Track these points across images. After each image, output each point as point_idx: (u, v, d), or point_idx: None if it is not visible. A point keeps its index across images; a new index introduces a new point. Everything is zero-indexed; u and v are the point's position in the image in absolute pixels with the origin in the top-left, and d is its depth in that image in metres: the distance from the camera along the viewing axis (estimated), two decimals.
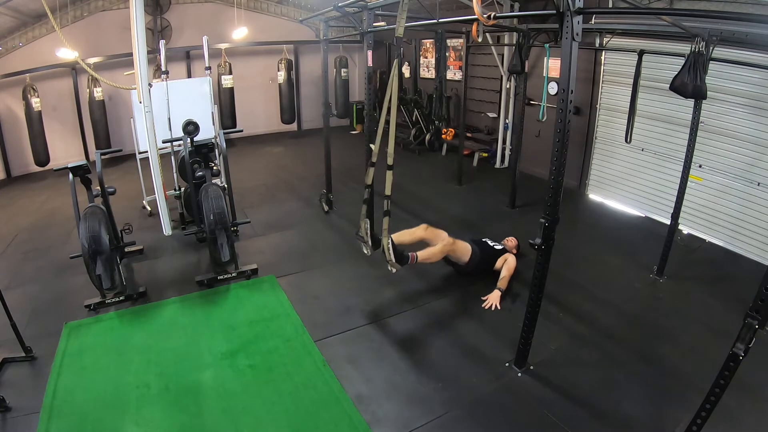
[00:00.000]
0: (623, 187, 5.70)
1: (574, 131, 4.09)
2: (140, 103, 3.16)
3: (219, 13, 8.59)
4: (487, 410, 2.62)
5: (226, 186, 4.33)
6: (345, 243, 4.77)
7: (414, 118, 8.93)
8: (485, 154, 7.62)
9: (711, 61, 3.35)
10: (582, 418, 2.55)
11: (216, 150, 4.73)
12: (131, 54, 3.06)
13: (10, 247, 4.83)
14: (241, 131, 5.63)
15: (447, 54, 8.05)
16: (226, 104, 8.50)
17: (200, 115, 4.87)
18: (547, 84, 5.90)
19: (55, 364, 2.98)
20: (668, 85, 3.52)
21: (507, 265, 3.81)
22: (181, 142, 4.48)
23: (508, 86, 7.14)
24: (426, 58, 9.19)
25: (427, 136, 8.41)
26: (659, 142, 5.15)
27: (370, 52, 4.35)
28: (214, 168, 4.22)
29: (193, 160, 4.15)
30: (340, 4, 4.13)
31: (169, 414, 2.59)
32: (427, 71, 9.16)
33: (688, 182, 3.73)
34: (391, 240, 3.18)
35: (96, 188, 3.78)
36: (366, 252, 3.28)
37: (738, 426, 2.48)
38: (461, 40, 7.63)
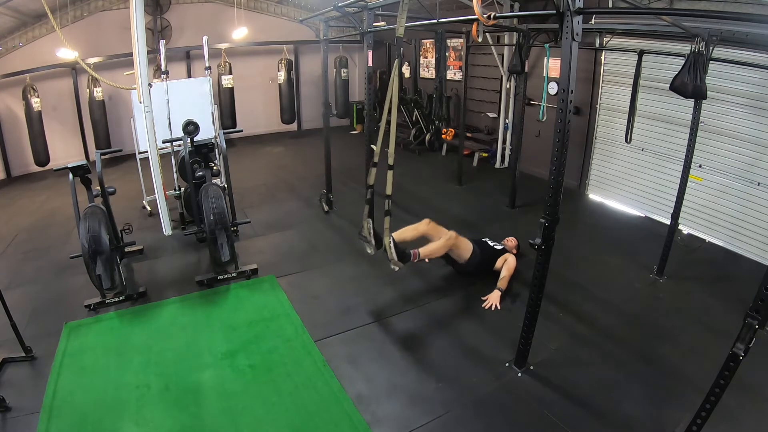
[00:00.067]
0: (623, 187, 5.70)
1: (574, 131, 4.08)
2: (140, 103, 3.17)
3: (219, 13, 8.59)
4: (487, 410, 2.62)
5: (226, 186, 4.33)
6: (345, 243, 4.77)
7: (414, 118, 8.94)
8: (485, 154, 7.62)
9: (711, 61, 3.35)
10: (582, 418, 2.55)
11: (216, 150, 4.72)
12: (131, 54, 3.07)
13: (10, 247, 4.83)
14: (241, 131, 5.63)
15: (447, 54, 8.06)
16: (226, 104, 8.50)
17: (200, 115, 4.87)
18: (547, 84, 5.90)
19: (55, 364, 2.98)
20: (668, 85, 3.51)
21: (507, 265, 3.81)
22: (181, 142, 4.48)
23: (508, 86, 7.14)
24: (426, 58, 9.19)
25: (427, 136, 8.41)
26: (659, 142, 5.16)
27: (370, 52, 4.36)
28: (214, 168, 4.22)
29: (193, 160, 4.14)
30: (340, 4, 4.13)
31: (169, 414, 2.59)
32: (427, 71, 9.16)
33: (688, 182, 3.73)
34: (393, 239, 3.19)
35: (96, 188, 3.78)
36: (369, 251, 3.28)
37: (738, 426, 2.48)
38: (461, 40, 7.63)
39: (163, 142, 4.60)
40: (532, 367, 2.93)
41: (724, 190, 4.59)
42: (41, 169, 7.28)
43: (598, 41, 5.47)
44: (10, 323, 2.96)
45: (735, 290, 3.76)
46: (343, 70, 9.48)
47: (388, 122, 2.95)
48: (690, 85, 3.32)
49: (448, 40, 7.88)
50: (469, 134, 7.66)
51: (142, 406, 2.64)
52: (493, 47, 6.98)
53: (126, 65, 4.71)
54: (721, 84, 4.31)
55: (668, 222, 3.92)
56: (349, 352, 3.11)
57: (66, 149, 7.67)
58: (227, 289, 3.92)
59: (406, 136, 8.79)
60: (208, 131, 5.29)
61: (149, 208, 5.60)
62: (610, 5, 5.04)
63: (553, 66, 5.83)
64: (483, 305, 3.59)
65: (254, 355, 3.07)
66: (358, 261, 4.37)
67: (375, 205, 3.19)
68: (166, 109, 4.94)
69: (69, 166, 3.60)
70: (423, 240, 3.79)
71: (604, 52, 5.57)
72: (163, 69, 5.29)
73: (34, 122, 6.92)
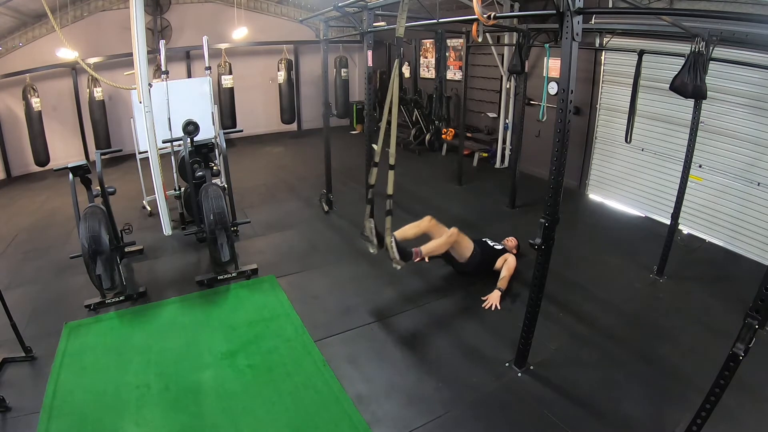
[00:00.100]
0: (623, 187, 5.70)
1: (574, 131, 4.09)
2: (140, 103, 3.17)
3: (219, 13, 8.59)
4: (487, 410, 2.62)
5: (226, 186, 4.33)
6: (345, 243, 4.77)
7: (414, 118, 8.94)
8: (485, 154, 7.62)
9: (711, 61, 3.35)
10: (582, 418, 2.55)
11: (216, 150, 4.73)
12: (131, 54, 3.07)
13: (10, 247, 4.83)
14: (241, 131, 5.63)
15: (447, 54, 8.06)
16: (226, 104, 8.50)
17: (200, 115, 4.87)
18: (547, 84, 5.90)
19: (55, 364, 2.98)
20: (668, 85, 3.51)
21: (507, 265, 3.81)
22: (181, 142, 4.48)
23: (508, 86, 7.14)
24: (426, 58, 9.19)
25: (427, 136, 8.42)
26: (659, 142, 5.16)
27: (370, 52, 4.36)
28: (214, 168, 4.22)
29: (193, 160, 4.15)
30: (340, 4, 4.13)
31: (169, 414, 2.59)
32: (427, 71, 9.16)
33: (688, 182, 3.73)
34: (394, 238, 3.20)
35: (96, 188, 3.78)
36: (372, 251, 3.28)
37: (738, 426, 2.48)
38: (461, 40, 7.63)
39: (163, 142, 4.60)
40: (532, 367, 2.93)
41: (724, 190, 4.59)
42: (41, 169, 7.28)
43: (598, 41, 5.47)
44: (10, 323, 2.96)
45: (735, 290, 3.76)
46: (343, 70, 9.48)
47: (389, 122, 2.95)
48: (690, 85, 3.32)
49: (448, 40, 7.88)
50: (469, 134, 7.66)
51: (142, 406, 2.64)
52: (493, 47, 6.98)
53: (126, 65, 4.72)
54: (721, 84, 4.31)
55: (668, 222, 3.92)
56: (349, 352, 3.11)
57: (66, 149, 7.67)
58: (227, 289, 3.92)
59: (406, 136, 8.79)
60: (208, 131, 5.29)
61: (149, 208, 5.60)
62: (610, 5, 5.04)
63: (553, 66, 5.83)
64: (483, 305, 3.59)
65: (254, 355, 3.07)
66: (358, 261, 4.37)
67: (375, 204, 3.19)
68: (166, 109, 4.94)
69: (69, 166, 3.60)
70: (424, 238, 3.79)
71: (604, 52, 5.57)
72: (163, 69, 5.29)
73: (34, 122, 6.92)
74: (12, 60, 7.13)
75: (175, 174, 5.27)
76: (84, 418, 2.56)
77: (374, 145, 3.12)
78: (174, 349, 3.15)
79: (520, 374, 2.88)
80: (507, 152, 7.39)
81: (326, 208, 5.60)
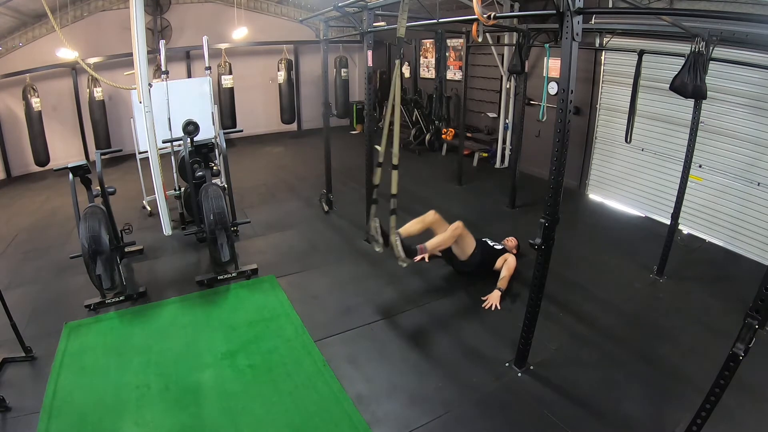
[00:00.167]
0: (623, 187, 5.70)
1: (574, 131, 4.09)
2: (140, 103, 3.17)
3: (219, 13, 8.59)
4: (487, 410, 2.62)
5: (226, 186, 4.33)
6: (345, 243, 4.77)
7: (414, 118, 8.94)
8: (485, 154, 7.62)
9: (711, 61, 3.34)
10: (582, 418, 2.55)
11: (216, 150, 4.72)
12: (131, 54, 3.07)
13: (10, 247, 4.83)
14: (241, 131, 5.63)
15: (447, 54, 8.06)
16: (226, 104, 8.50)
17: (200, 115, 4.87)
18: (547, 84, 5.90)
19: (55, 364, 2.98)
20: (668, 85, 3.51)
21: (507, 265, 3.81)
22: (181, 142, 4.48)
23: (508, 86, 7.14)
24: (426, 58, 9.19)
25: (427, 136, 8.43)
26: (659, 142, 5.16)
27: (370, 52, 4.35)
28: (214, 168, 4.22)
29: (193, 160, 4.14)
30: (340, 4, 4.13)
31: (169, 414, 2.59)
32: (427, 71, 9.16)
33: (688, 182, 3.73)
34: (399, 236, 3.22)
35: (96, 188, 3.78)
36: (377, 249, 3.33)
37: (738, 426, 2.48)
38: (461, 40, 7.63)
39: (163, 142, 4.60)
40: (532, 367, 2.93)
41: (724, 190, 4.59)
42: (41, 169, 7.28)
43: (598, 41, 5.47)
44: (10, 323, 2.96)
45: (735, 290, 3.76)
46: (343, 70, 9.48)
47: (392, 123, 2.98)
48: (690, 85, 3.32)
49: (448, 40, 7.88)
50: (469, 134, 7.66)
51: (142, 406, 2.64)
52: (493, 47, 6.98)
53: (126, 65, 4.71)
54: (721, 84, 4.31)
55: (668, 222, 3.92)
56: (349, 352, 3.11)
57: (66, 149, 7.67)
58: (227, 289, 3.92)
59: (406, 136, 8.79)
60: (208, 131, 5.29)
61: (149, 208, 5.60)
62: (610, 5, 5.04)
63: (553, 66, 5.83)
64: (483, 305, 3.59)
65: (254, 355, 3.07)
66: (358, 261, 4.37)
67: (378, 204, 3.22)
68: (166, 109, 4.94)
69: (69, 166, 3.60)
70: (427, 236, 3.79)
71: (604, 52, 5.57)
72: (163, 69, 5.28)
73: (34, 122, 6.92)
74: (12, 60, 7.13)
75: (175, 174, 5.27)
76: (84, 418, 2.56)
77: (377, 146, 3.14)
78: (174, 349, 3.15)
79: (520, 374, 2.88)
80: (507, 152, 7.39)
81: (326, 208, 5.61)
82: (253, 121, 9.18)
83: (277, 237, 4.96)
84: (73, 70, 7.55)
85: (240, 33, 7.98)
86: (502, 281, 3.70)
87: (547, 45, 5.35)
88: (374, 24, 4.31)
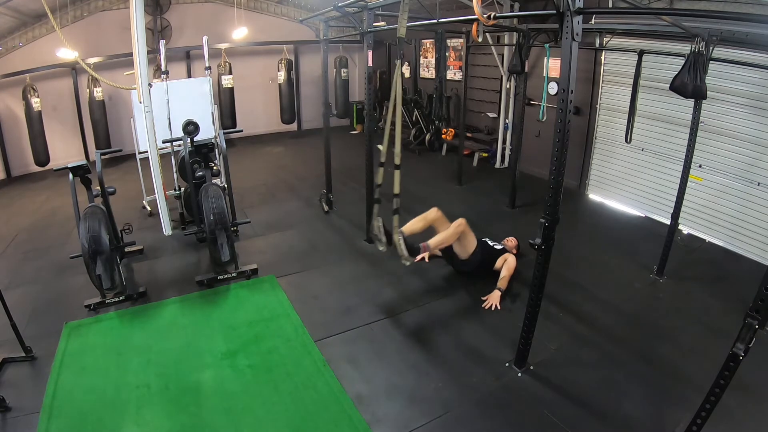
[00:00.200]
0: (623, 187, 5.70)
1: (574, 131, 4.09)
2: (140, 103, 3.16)
3: (219, 13, 8.59)
4: (487, 410, 2.62)
5: (226, 186, 4.33)
6: (345, 243, 4.77)
7: (414, 118, 8.94)
8: (485, 154, 7.62)
9: (711, 61, 3.34)
10: (582, 418, 2.55)
11: (216, 150, 4.72)
12: (131, 54, 3.06)
13: (10, 247, 4.83)
14: (241, 131, 5.63)
15: (447, 54, 8.06)
16: (226, 104, 8.50)
17: (200, 115, 4.87)
18: (547, 84, 5.90)
19: (55, 364, 2.98)
20: (668, 85, 3.51)
21: (507, 265, 3.81)
22: (181, 142, 4.48)
23: (508, 86, 7.14)
24: (426, 58, 9.19)
25: (427, 136, 8.43)
26: (659, 142, 5.16)
27: (370, 52, 4.35)
28: (214, 168, 4.22)
29: (193, 160, 4.14)
30: (340, 4, 4.13)
31: (169, 414, 2.59)
32: (427, 71, 9.16)
33: (688, 182, 3.73)
34: (402, 235, 3.24)
35: (96, 188, 3.78)
36: (381, 248, 3.36)
37: (738, 426, 2.48)
38: (461, 40, 7.63)
39: (163, 142, 4.60)
40: (532, 367, 2.93)
41: (724, 190, 4.58)
42: (41, 169, 7.28)
43: (598, 41, 5.47)
44: (10, 323, 2.96)
45: (735, 290, 3.76)
46: (343, 70, 9.48)
47: (393, 123, 2.99)
48: (690, 85, 3.32)
49: (448, 40, 7.88)
50: (469, 134, 7.66)
51: (142, 406, 2.64)
52: (493, 47, 6.98)
53: (126, 65, 4.71)
54: (721, 84, 4.31)
55: (668, 222, 3.92)
56: (349, 352, 3.11)
57: (66, 149, 7.67)
58: (227, 289, 3.92)
59: (406, 136, 8.78)
60: (208, 131, 5.29)
61: (149, 208, 5.60)
62: (610, 5, 5.04)
63: (553, 66, 5.83)
64: (483, 305, 3.59)
65: (254, 355, 3.07)
66: (358, 261, 4.37)
67: (380, 203, 3.24)
68: (166, 109, 4.94)
69: (69, 166, 3.60)
70: (430, 234, 3.80)
71: (604, 52, 5.57)
72: (163, 69, 5.28)
73: (34, 122, 6.92)
74: (12, 60, 7.13)
75: (175, 174, 5.27)
76: (84, 418, 2.56)
77: (379, 146, 3.17)
78: (174, 349, 3.15)
79: (520, 374, 2.88)
80: (507, 152, 7.39)
81: (326, 208, 5.61)
82: (253, 121, 9.18)
83: (277, 237, 4.96)
84: (73, 70, 7.55)
85: (240, 33, 7.98)
86: (502, 281, 3.70)
87: (547, 45, 5.35)
88: (374, 24, 4.31)
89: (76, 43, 6.57)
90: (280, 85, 9.12)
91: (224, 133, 4.68)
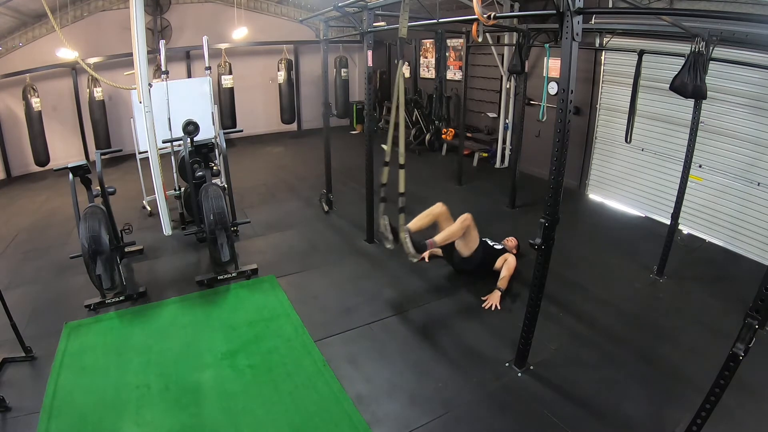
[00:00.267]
0: (623, 187, 5.70)
1: (574, 131, 4.09)
2: (140, 103, 3.16)
3: (219, 13, 8.59)
4: (487, 410, 2.62)
5: (226, 186, 4.33)
6: (345, 243, 4.77)
7: (414, 118, 8.94)
8: (485, 154, 7.62)
9: (711, 61, 3.34)
10: (582, 418, 2.55)
11: (216, 150, 4.72)
12: (131, 54, 3.06)
13: (10, 247, 4.83)
14: (241, 131, 5.63)
15: (447, 54, 8.06)
16: (226, 104, 8.50)
17: (200, 115, 4.87)
18: (547, 84, 5.90)
19: (55, 364, 2.98)
20: (668, 85, 3.51)
21: (507, 265, 3.81)
22: (181, 142, 4.48)
23: (508, 86, 7.14)
24: (426, 58, 9.19)
25: (427, 136, 8.43)
26: (659, 142, 5.16)
27: (370, 52, 4.35)
28: (214, 168, 4.22)
29: (193, 160, 4.15)
30: (340, 4, 4.13)
31: (169, 414, 2.59)
32: (427, 71, 9.16)
33: (688, 182, 3.73)
34: (409, 233, 3.26)
35: (96, 188, 3.78)
36: (388, 246, 3.39)
37: (738, 426, 2.48)
38: (461, 40, 7.63)
39: (163, 142, 4.60)
40: (532, 367, 2.93)
41: (724, 190, 4.58)
42: (41, 169, 7.28)
43: (598, 41, 5.47)
44: (10, 323, 2.95)
45: (735, 290, 3.76)
46: (343, 70, 9.48)
47: (396, 123, 3.00)
48: (690, 85, 3.32)
49: (448, 40, 7.88)
50: (469, 134, 7.66)
51: (142, 406, 2.64)
52: (493, 47, 6.98)
53: (126, 65, 4.71)
54: (721, 84, 4.31)
55: (668, 222, 3.92)
56: (349, 352, 3.11)
57: (66, 149, 7.67)
58: (227, 289, 3.92)
59: (406, 136, 8.79)
60: (208, 131, 5.29)
61: (149, 208, 5.60)
62: (610, 5, 5.04)
63: (553, 66, 5.83)
64: (483, 305, 3.60)
65: (254, 355, 3.07)
66: (358, 261, 4.37)
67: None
68: (166, 109, 4.94)
69: (69, 166, 3.60)
70: (433, 231, 3.80)
71: (604, 52, 5.57)
72: (163, 69, 5.28)
73: (34, 122, 6.92)
74: (12, 60, 7.13)
75: (175, 174, 5.27)
76: (84, 418, 2.56)
77: (383, 146, 3.19)
78: (174, 349, 3.15)
79: (520, 374, 2.88)
80: (507, 152, 7.39)
81: (326, 208, 5.61)
82: (253, 121, 9.18)
83: (277, 237, 4.96)
84: (73, 70, 7.55)
85: (240, 33, 7.98)
86: (502, 281, 3.70)
87: (547, 45, 5.35)
88: (374, 24, 4.31)
89: (76, 43, 6.57)
90: (280, 85, 9.12)
91: (224, 133, 4.68)
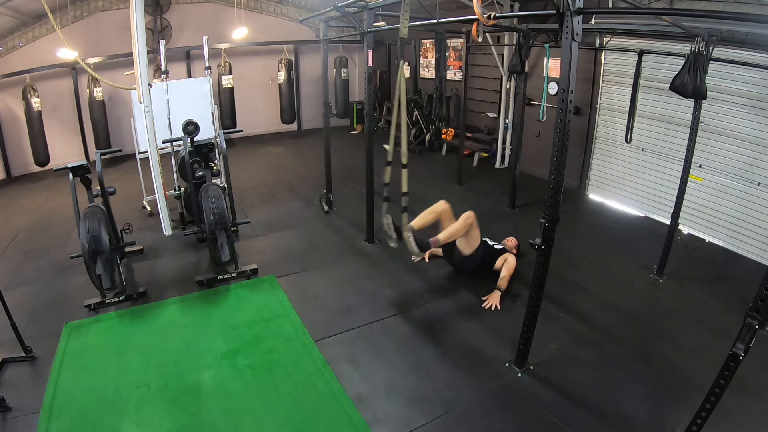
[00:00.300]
0: (623, 187, 5.70)
1: (574, 131, 4.09)
2: (140, 103, 3.16)
3: (219, 13, 8.59)
4: (487, 410, 2.62)
5: (226, 186, 4.33)
6: (345, 243, 4.77)
7: (414, 118, 8.93)
8: (485, 154, 7.62)
9: (711, 61, 3.35)
10: (582, 418, 2.55)
11: (216, 150, 4.73)
12: (131, 54, 3.06)
13: (10, 247, 4.83)
14: (241, 131, 5.63)
15: (447, 54, 8.06)
16: (226, 104, 8.50)
17: (200, 115, 4.87)
18: (547, 84, 5.90)
19: (55, 364, 2.98)
20: (668, 85, 3.52)
21: (507, 264, 3.81)
22: (181, 142, 4.48)
23: (508, 86, 7.14)
24: (426, 58, 9.19)
25: (427, 136, 8.43)
26: (659, 142, 5.16)
27: (370, 52, 4.35)
28: (214, 168, 4.22)
29: (193, 160, 4.15)
30: (340, 4, 4.13)
31: (169, 414, 2.59)
32: (427, 71, 9.16)
33: (688, 182, 3.73)
34: (412, 232, 3.27)
35: (96, 188, 3.78)
36: (392, 245, 3.42)
37: (738, 426, 2.48)
38: (461, 40, 7.63)
39: (163, 142, 4.60)
40: (532, 367, 2.93)
41: (724, 190, 4.58)
42: (41, 169, 7.28)
43: (598, 41, 5.47)
44: (10, 323, 2.96)
45: (735, 290, 3.76)
46: (343, 70, 9.48)
47: (398, 124, 3.02)
48: (690, 85, 3.32)
49: (448, 40, 7.88)
50: (469, 134, 7.66)
51: (142, 406, 2.64)
52: (493, 47, 6.98)
53: (126, 65, 4.72)
54: (721, 84, 4.31)
55: (668, 222, 3.92)
56: (349, 352, 3.11)
57: (66, 149, 7.67)
58: (227, 289, 3.92)
59: (407, 135, 8.78)
60: (208, 131, 5.29)
61: (149, 208, 5.60)
62: (610, 5, 5.04)
63: (553, 66, 5.83)
64: (483, 305, 3.60)
65: (254, 355, 3.07)
66: (358, 261, 4.37)
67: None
68: (166, 109, 4.94)
69: (69, 166, 3.60)
70: (435, 230, 3.80)
71: (604, 52, 5.57)
72: (163, 69, 5.29)
73: (34, 122, 6.92)
74: (12, 60, 7.13)
75: (175, 174, 5.27)
76: (84, 418, 2.56)
77: (386, 146, 3.21)
78: (174, 349, 3.15)
79: (520, 374, 2.88)
80: (507, 152, 7.39)
81: (326, 208, 5.61)
82: (253, 121, 9.18)
83: (277, 237, 4.96)
84: (73, 70, 7.55)
85: (240, 33, 7.98)
86: (502, 281, 3.70)
87: (547, 45, 5.35)
88: (374, 24, 4.31)
89: (76, 43, 6.57)
90: (280, 85, 9.12)
91: (224, 133, 4.68)
